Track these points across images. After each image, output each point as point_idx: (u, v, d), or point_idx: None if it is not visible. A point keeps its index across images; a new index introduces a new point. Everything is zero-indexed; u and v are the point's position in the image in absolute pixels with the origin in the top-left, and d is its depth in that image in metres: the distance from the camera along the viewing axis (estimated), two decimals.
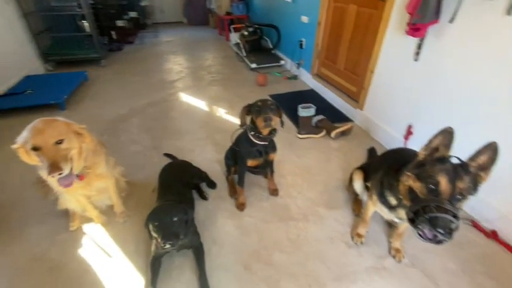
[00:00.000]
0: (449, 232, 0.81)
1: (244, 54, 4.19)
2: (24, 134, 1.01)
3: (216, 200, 1.73)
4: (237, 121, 2.58)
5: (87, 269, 1.33)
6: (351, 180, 1.64)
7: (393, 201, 1.11)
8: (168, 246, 1.00)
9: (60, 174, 0.98)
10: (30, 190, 1.73)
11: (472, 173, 0.86)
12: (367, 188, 1.47)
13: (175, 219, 1.05)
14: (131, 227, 1.54)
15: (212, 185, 1.79)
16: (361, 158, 2.09)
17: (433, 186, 0.86)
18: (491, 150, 0.84)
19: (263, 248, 1.43)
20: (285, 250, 1.42)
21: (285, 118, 2.64)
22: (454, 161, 0.90)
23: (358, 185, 1.54)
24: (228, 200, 1.73)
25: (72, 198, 1.33)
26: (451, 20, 1.50)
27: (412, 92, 1.91)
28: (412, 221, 0.89)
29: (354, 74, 2.62)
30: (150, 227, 1.07)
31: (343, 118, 2.63)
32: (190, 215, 1.13)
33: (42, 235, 1.49)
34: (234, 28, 4.80)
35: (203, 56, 4.67)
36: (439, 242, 0.85)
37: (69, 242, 1.46)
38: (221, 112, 2.79)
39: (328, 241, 1.47)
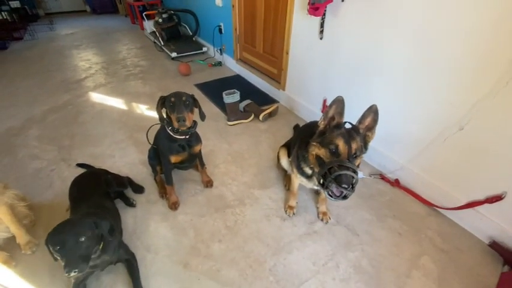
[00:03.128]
0: (352, 186, 0.93)
1: (162, 43, 3.90)
2: None
3: (145, 204, 1.60)
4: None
5: None
6: (278, 158, 1.71)
7: (308, 171, 1.20)
8: (73, 274, 0.84)
9: None
10: None
11: (361, 134, 0.99)
12: (291, 163, 1.56)
13: (82, 239, 0.89)
14: (42, 256, 1.31)
15: (138, 189, 1.65)
16: (288, 136, 2.20)
17: (333, 149, 0.97)
18: (373, 112, 0.97)
19: (200, 242, 1.40)
20: (224, 239, 1.42)
21: (212, 107, 2.59)
22: (348, 126, 1.02)
23: (284, 161, 1.62)
24: (159, 202, 1.62)
25: None
26: None
27: (322, 69, 2.07)
28: (322, 184, 0.98)
29: (273, 56, 2.70)
30: (51, 250, 0.90)
31: (269, 100, 2.72)
32: (104, 227, 1.00)
33: None
34: (146, 15, 4.38)
35: (115, 49, 4.17)
36: (345, 197, 0.97)
37: None
38: (142, 109, 2.56)
39: (265, 219, 1.53)
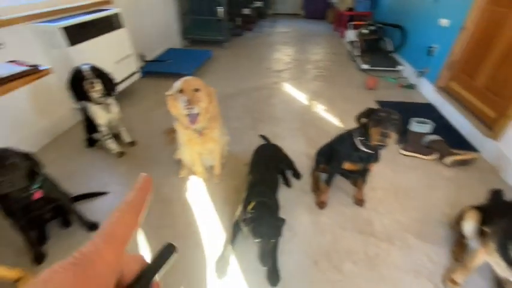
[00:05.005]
0: None
1: (358, 53, 3.95)
2: (175, 84, 1.36)
3: (297, 190, 1.77)
4: (335, 120, 2.53)
5: (187, 208, 1.63)
6: (459, 218, 1.38)
7: None
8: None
9: (191, 109, 1.30)
10: (158, 137, 2.21)
11: None
12: (481, 233, 1.22)
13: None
14: (223, 188, 1.77)
15: (297, 175, 1.84)
16: (478, 196, 1.70)
17: None
18: None
19: (335, 252, 1.40)
20: (359, 263, 1.35)
21: None
22: None
23: (469, 226, 1.29)
24: (309, 195, 1.74)
25: (188, 151, 1.62)
26: None
27: None
28: None
29: (497, 96, 2.11)
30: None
31: (465, 145, 2.19)
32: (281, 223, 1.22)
33: (159, 174, 1.89)
34: (352, 25, 4.56)
35: (313, 50, 4.66)
36: None
37: (177, 184, 1.80)
38: (320, 108, 2.76)
39: (412, 274, 1.31)
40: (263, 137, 2.22)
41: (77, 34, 2.07)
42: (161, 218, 1.57)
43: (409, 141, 2.07)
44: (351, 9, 5.37)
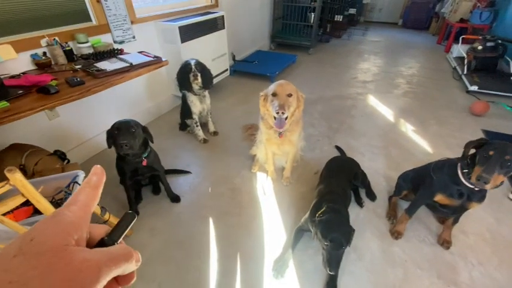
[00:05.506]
0: None
1: (466, 72, 3.40)
2: (271, 87, 1.43)
3: (370, 212, 1.65)
4: (424, 144, 2.25)
5: (255, 200, 1.72)
6: None
7: None
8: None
9: (282, 113, 1.33)
10: (237, 131, 2.38)
11: None
12: None
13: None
14: (290, 192, 1.79)
15: (372, 196, 1.71)
16: None
17: None
18: None
19: None
20: None
21: None
22: None
23: None
24: (382, 220, 1.60)
25: (264, 149, 1.70)
26: None
27: None
28: None
29: None
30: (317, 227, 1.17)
31: None
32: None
33: (234, 165, 2.03)
34: (463, 39, 3.93)
35: (407, 63, 4.22)
36: None
37: (248, 178, 1.91)
38: (408, 128, 2.49)
39: None
40: (339, 148, 2.14)
41: (188, 32, 2.41)
42: (230, 206, 1.70)
43: None
44: (463, 21, 4.64)
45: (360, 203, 1.67)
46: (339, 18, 5.48)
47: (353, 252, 1.41)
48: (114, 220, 1.35)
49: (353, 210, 1.64)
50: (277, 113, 1.33)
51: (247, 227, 1.57)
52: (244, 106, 2.77)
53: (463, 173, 1.15)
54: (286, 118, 1.38)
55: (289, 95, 1.37)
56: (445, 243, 1.43)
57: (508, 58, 3.41)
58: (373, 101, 3.01)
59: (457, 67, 3.67)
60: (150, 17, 2.29)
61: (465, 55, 3.61)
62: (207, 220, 1.60)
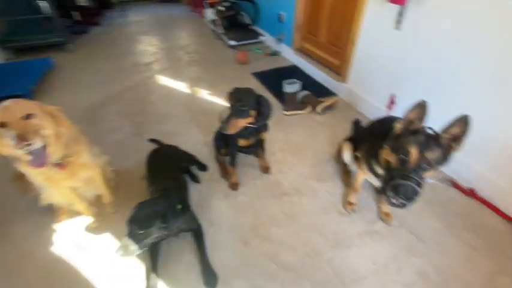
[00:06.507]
0: (410, 198, 0.90)
1: (222, 31, 4.01)
2: None
3: (208, 182, 1.71)
4: (221, 102, 2.53)
5: (78, 264, 1.29)
6: (339, 151, 1.67)
7: (379, 170, 1.15)
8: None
9: (28, 145, 0.93)
10: (8, 187, 1.62)
11: (443, 144, 0.92)
12: (356, 158, 1.51)
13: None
14: (123, 216, 1.49)
15: (203, 167, 1.76)
16: (346, 130, 2.11)
17: (404, 157, 0.93)
18: (463, 123, 0.89)
19: (260, 224, 1.45)
20: (282, 224, 1.46)
21: (269, 96, 2.61)
22: (429, 132, 0.96)
23: (347, 155, 1.58)
24: (220, 181, 1.72)
25: (56, 191, 1.25)
26: None
27: (394, 62, 1.93)
28: (383, 189, 0.96)
29: (336, 47, 2.60)
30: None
31: (327, 92, 2.64)
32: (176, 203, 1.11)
33: (28, 232, 1.42)
34: (208, 4, 4.54)
35: (178, 35, 4.42)
36: (403, 206, 0.93)
37: (58, 238, 1.40)
38: (204, 93, 2.69)
39: (322, 212, 1.52)
40: (154, 140, 1.99)
41: None
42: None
43: (287, 102, 2.30)
44: None
45: (196, 180, 1.68)
46: (83, 2, 4.68)
47: (211, 226, 1.44)
48: None
49: (195, 190, 1.64)
50: (20, 148, 0.93)
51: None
52: None
53: None
54: (45, 147, 1.01)
55: (28, 116, 0.97)
56: (265, 169, 1.76)
57: (242, 13, 4.32)
58: (164, 80, 2.97)
59: (215, 29, 4.26)
60: None
61: (215, 17, 4.22)
62: None
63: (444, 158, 0.94)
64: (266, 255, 1.31)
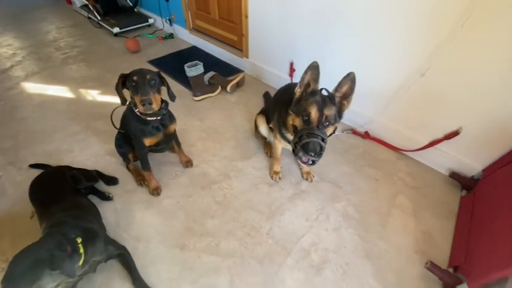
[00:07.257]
0: (318, 153, 0.97)
1: (99, 18, 3.40)
2: None
3: (123, 195, 1.48)
4: (117, 100, 2.18)
5: None
6: (256, 126, 1.69)
7: (290, 136, 1.21)
8: None
9: None
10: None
11: (337, 102, 1.01)
12: (271, 130, 1.55)
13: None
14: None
15: (111, 180, 1.51)
16: (259, 104, 2.16)
17: (306, 118, 1.01)
18: (350, 80, 0.99)
19: (193, 222, 1.37)
20: (216, 214, 1.40)
21: (174, 83, 2.40)
22: (324, 92, 1.04)
23: (263, 128, 1.61)
24: (138, 190, 1.51)
25: None
26: None
27: (285, 29, 2.00)
28: (294, 151, 1.02)
29: (231, 22, 2.53)
30: None
31: (233, 70, 2.60)
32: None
33: None
34: None
35: (42, 29, 3.53)
36: (312, 163, 1.02)
37: None
38: (93, 94, 2.27)
39: (253, 188, 1.54)
40: (37, 165, 1.58)
41: None
42: None
43: (194, 87, 2.16)
44: None
45: (106, 198, 1.43)
46: None
47: (139, 243, 1.27)
48: None
49: (108, 209, 1.40)
50: None
51: None
52: None
53: (140, 113, 1.19)
54: None
55: None
56: (187, 163, 1.64)
57: None
58: (35, 87, 2.35)
59: (90, 16, 3.57)
60: None
61: (87, 2, 3.52)
62: None
63: (339, 114, 1.04)
64: (206, 250, 1.25)
